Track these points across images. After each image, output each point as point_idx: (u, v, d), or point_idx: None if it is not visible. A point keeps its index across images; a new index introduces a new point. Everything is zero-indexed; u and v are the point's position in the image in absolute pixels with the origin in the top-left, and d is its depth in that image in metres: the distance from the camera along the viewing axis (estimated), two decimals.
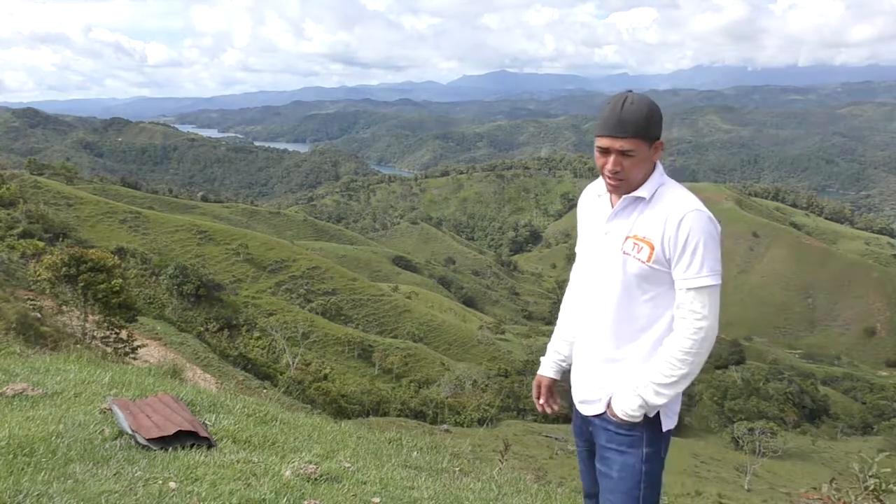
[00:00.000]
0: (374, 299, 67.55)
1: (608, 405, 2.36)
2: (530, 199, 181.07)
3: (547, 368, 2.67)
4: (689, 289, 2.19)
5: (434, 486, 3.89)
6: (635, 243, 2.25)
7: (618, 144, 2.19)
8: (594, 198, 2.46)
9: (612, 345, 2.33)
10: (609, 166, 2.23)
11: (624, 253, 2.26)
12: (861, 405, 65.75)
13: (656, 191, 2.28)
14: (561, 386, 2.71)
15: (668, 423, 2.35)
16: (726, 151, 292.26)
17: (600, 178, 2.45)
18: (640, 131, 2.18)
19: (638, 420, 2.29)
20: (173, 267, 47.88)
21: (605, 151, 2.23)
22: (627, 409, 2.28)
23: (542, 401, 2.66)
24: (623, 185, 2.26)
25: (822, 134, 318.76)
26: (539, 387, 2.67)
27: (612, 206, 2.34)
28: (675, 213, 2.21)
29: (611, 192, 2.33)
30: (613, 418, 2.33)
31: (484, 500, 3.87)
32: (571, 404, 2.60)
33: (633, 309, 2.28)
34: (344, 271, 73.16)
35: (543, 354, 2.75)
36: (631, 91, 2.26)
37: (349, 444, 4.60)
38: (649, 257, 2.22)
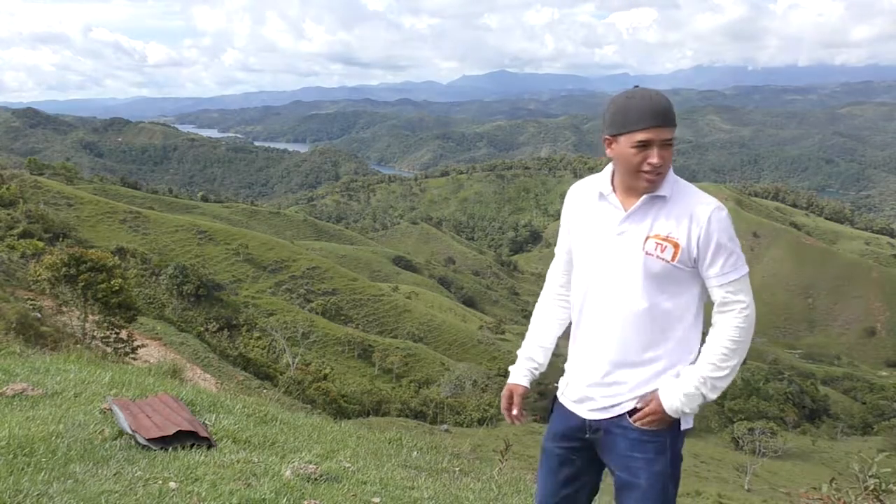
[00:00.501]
0: (374, 299, 67.56)
1: (652, 405, 2.25)
2: (530, 199, 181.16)
3: (520, 377, 2.53)
4: (730, 282, 2.20)
5: (434, 486, 3.89)
6: (658, 243, 2.19)
7: (663, 135, 2.13)
8: (592, 197, 2.34)
9: (636, 348, 2.26)
10: (654, 160, 2.13)
11: (646, 253, 2.20)
12: (861, 405, 65.75)
13: (673, 189, 2.24)
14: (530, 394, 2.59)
15: (686, 423, 2.32)
16: (726, 151, 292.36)
17: (596, 177, 2.36)
18: (674, 120, 2.18)
19: (693, 413, 2.26)
20: (173, 267, 47.91)
21: (646, 145, 2.14)
22: (686, 407, 2.22)
23: (515, 412, 2.51)
24: (660, 180, 2.20)
25: (821, 134, 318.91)
26: (511, 396, 2.52)
27: (623, 206, 2.26)
28: (700, 212, 2.19)
29: (649, 188, 2.21)
30: (653, 418, 2.24)
31: (484, 500, 3.87)
32: (550, 410, 2.49)
33: (655, 309, 2.23)
34: (344, 271, 73.19)
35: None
36: (637, 86, 2.22)
37: (349, 444, 4.60)
38: (674, 256, 2.19)
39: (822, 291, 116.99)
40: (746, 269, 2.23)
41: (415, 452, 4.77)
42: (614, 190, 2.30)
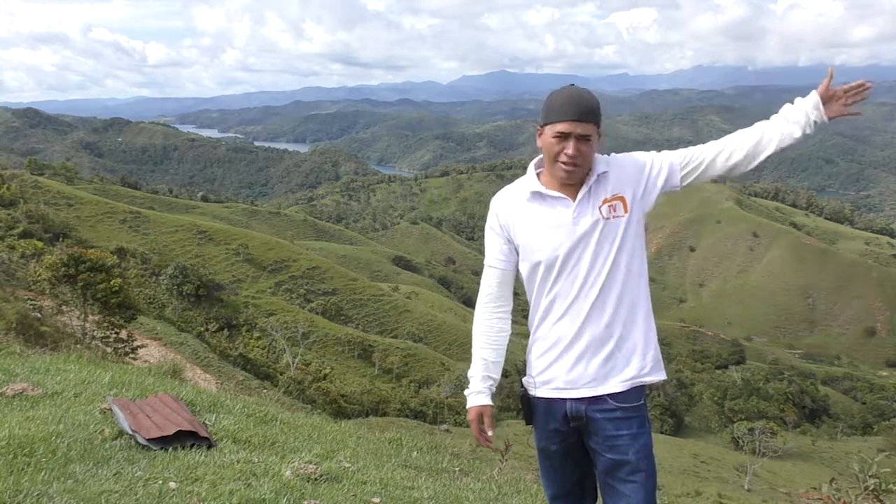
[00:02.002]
0: (374, 299, 67.57)
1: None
2: None
3: (485, 397, 2.53)
4: (671, 155, 2.43)
5: (434, 486, 3.89)
6: (610, 205, 2.33)
7: (579, 129, 2.27)
8: (522, 199, 2.40)
9: (618, 314, 2.34)
10: (570, 151, 2.27)
11: (605, 219, 2.31)
12: (861, 405, 65.75)
13: (610, 163, 2.39)
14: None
15: (662, 375, 2.41)
16: None
17: (519, 183, 2.43)
18: (597, 117, 2.31)
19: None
20: (173, 267, 47.84)
21: (564, 137, 2.28)
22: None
23: (490, 433, 2.51)
24: (577, 171, 2.31)
25: (821, 134, 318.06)
26: (482, 418, 2.50)
27: (564, 194, 2.34)
28: (617, 161, 2.38)
29: (564, 178, 2.33)
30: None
31: (484, 500, 3.87)
32: (529, 413, 2.50)
33: (626, 272, 2.34)
34: (344, 271, 73.20)
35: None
36: (573, 84, 2.36)
37: (349, 444, 4.60)
38: (626, 208, 2.33)
39: (822, 291, 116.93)
40: None
41: (415, 452, 4.77)
42: (563, 178, 2.39)
